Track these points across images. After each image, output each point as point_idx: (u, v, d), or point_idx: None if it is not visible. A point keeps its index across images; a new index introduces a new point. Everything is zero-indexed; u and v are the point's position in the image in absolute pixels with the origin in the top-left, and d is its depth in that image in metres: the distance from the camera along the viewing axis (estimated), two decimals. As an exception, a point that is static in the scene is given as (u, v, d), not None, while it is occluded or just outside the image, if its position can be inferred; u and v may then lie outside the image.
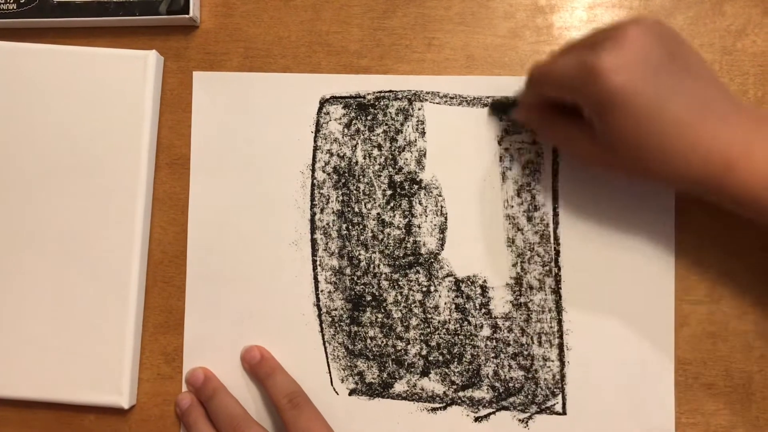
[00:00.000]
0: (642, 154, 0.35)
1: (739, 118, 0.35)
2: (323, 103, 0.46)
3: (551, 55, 0.39)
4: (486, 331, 0.44)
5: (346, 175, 0.46)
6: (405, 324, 0.45)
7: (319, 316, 0.46)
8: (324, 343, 0.45)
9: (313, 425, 0.42)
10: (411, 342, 0.45)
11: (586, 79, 0.35)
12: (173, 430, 0.46)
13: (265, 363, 0.45)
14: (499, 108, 0.45)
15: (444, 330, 0.45)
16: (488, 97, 0.45)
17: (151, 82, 0.46)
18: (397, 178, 0.45)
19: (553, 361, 0.44)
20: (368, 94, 0.46)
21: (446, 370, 0.45)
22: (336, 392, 0.45)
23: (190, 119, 0.47)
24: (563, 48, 0.39)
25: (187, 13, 0.45)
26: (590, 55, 0.35)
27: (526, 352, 0.44)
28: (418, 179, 0.45)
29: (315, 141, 0.46)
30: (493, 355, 0.44)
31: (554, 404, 0.44)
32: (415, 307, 0.45)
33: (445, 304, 0.45)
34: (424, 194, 0.45)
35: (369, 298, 0.45)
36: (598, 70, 0.34)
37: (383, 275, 0.45)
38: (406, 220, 0.45)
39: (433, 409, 0.45)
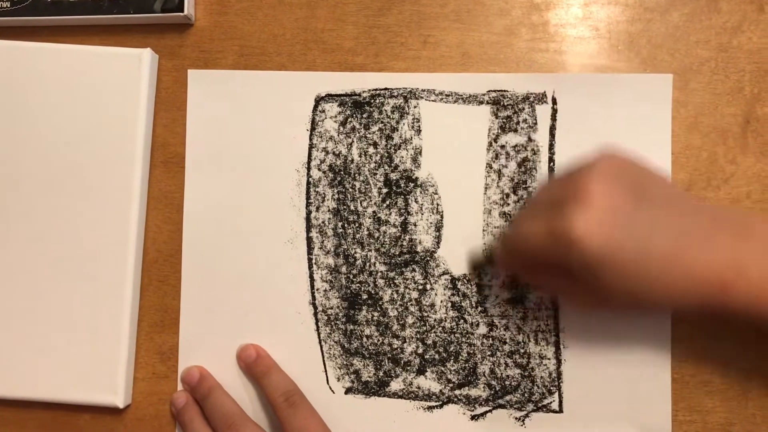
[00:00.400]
0: (637, 296, 0.35)
1: (723, 232, 0.35)
2: (318, 101, 0.46)
3: (515, 222, 0.39)
4: (482, 329, 0.44)
5: (342, 173, 0.46)
6: (401, 322, 0.45)
7: (315, 314, 0.45)
8: (320, 342, 0.45)
9: (309, 424, 0.42)
10: (407, 340, 0.45)
11: (562, 248, 0.34)
12: (169, 429, 0.46)
13: (261, 361, 0.45)
14: (480, 264, 0.45)
15: (440, 328, 0.45)
16: (484, 95, 0.45)
17: (145, 80, 0.46)
18: (393, 176, 0.45)
19: (549, 359, 0.44)
20: (363, 91, 0.46)
21: (442, 369, 0.45)
22: (332, 391, 0.45)
23: (184, 117, 0.47)
24: (525, 211, 0.39)
25: (182, 11, 0.45)
26: (558, 221, 0.34)
27: (522, 350, 0.44)
28: (413, 177, 0.45)
29: (310, 139, 0.46)
30: (489, 353, 0.44)
31: (551, 402, 0.44)
32: (411, 305, 0.45)
33: (441, 302, 0.45)
34: (420, 192, 0.45)
35: (365, 296, 0.45)
36: (572, 239, 0.33)
37: (379, 273, 0.45)
38: (402, 218, 0.45)
39: (429, 408, 0.45)
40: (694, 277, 0.34)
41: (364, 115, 0.46)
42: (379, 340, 0.45)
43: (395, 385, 0.45)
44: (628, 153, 0.37)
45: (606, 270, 0.34)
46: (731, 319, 0.36)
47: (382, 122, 0.45)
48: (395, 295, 0.45)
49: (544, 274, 0.38)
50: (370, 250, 0.45)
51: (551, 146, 0.45)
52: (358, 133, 0.46)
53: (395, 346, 0.45)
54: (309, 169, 0.46)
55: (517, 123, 0.45)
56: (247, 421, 0.43)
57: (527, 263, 0.39)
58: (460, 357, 0.44)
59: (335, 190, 0.46)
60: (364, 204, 0.45)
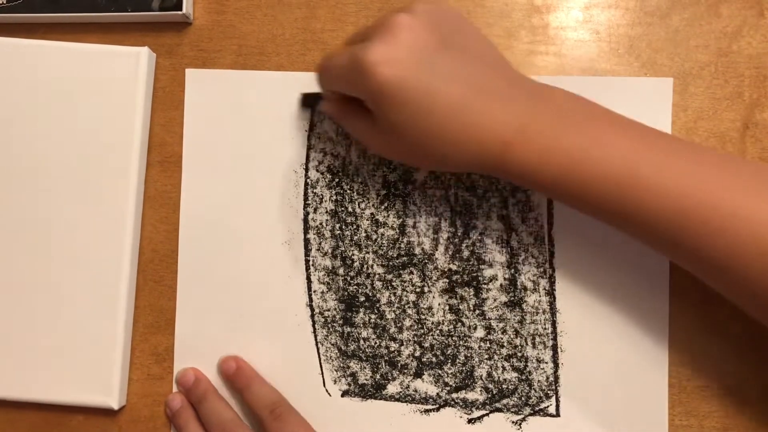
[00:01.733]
0: (420, 141, 0.35)
1: (517, 96, 0.35)
2: (318, 101, 0.46)
3: (334, 49, 0.40)
4: (480, 333, 0.44)
5: (340, 174, 0.45)
6: (398, 325, 0.45)
7: (312, 316, 0.45)
8: (317, 344, 0.45)
9: None
10: (404, 343, 0.45)
11: (358, 73, 0.35)
12: (163, 431, 0.46)
13: (241, 373, 0.44)
14: (308, 101, 0.45)
15: (438, 331, 0.44)
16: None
17: (143, 79, 0.45)
18: (392, 177, 0.45)
19: (547, 362, 0.44)
20: (363, 92, 0.45)
21: (440, 372, 0.44)
22: (328, 393, 0.45)
23: (182, 117, 0.46)
24: (345, 40, 0.40)
25: (180, 10, 0.45)
26: (361, 48, 0.35)
27: (519, 354, 0.44)
28: (412, 179, 0.45)
29: (309, 140, 0.46)
30: (486, 356, 0.44)
31: (548, 406, 0.44)
32: (409, 308, 0.45)
33: (439, 305, 0.44)
34: (419, 194, 0.45)
35: (362, 298, 0.45)
36: (367, 65, 0.34)
37: (377, 276, 0.45)
38: (400, 220, 0.45)
39: (426, 411, 0.44)
40: (476, 132, 0.34)
41: (363, 117, 0.45)
42: (376, 343, 0.45)
43: (392, 388, 0.45)
44: (453, 7, 0.38)
45: (392, 102, 0.34)
46: (516, 182, 0.36)
47: (381, 124, 0.45)
48: (393, 298, 0.45)
49: (351, 109, 0.39)
50: (368, 253, 0.45)
51: (550, 149, 0.44)
52: (357, 134, 0.45)
53: (392, 349, 0.45)
54: (307, 170, 0.46)
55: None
56: (242, 427, 0.43)
57: (335, 89, 0.40)
58: (458, 360, 0.44)
59: (333, 192, 0.45)
60: (362, 206, 0.45)
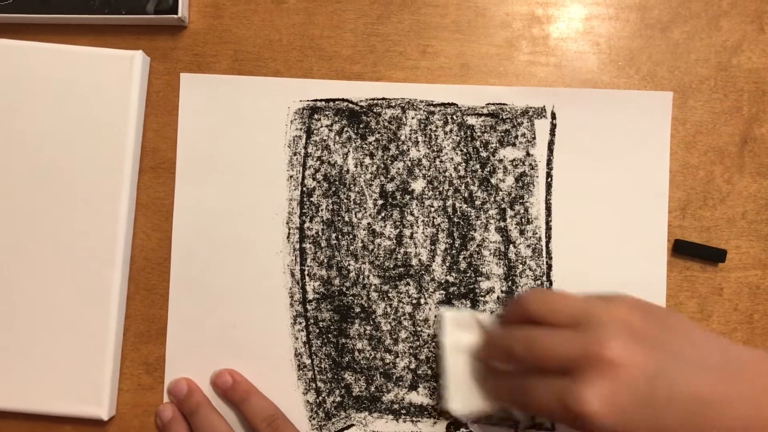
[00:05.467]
0: None
1: (743, 394, 0.33)
2: (314, 109, 0.45)
3: (523, 339, 0.37)
4: (476, 345, 0.44)
5: (337, 183, 0.45)
6: (394, 337, 0.44)
7: (306, 326, 0.44)
8: (311, 355, 0.44)
9: None
10: (400, 355, 0.44)
11: (573, 419, 0.33)
12: (153, 441, 0.45)
13: (238, 387, 0.43)
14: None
15: (433, 343, 0.44)
16: (482, 107, 0.44)
17: (136, 83, 0.44)
18: (389, 187, 0.45)
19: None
20: (361, 101, 0.45)
21: (435, 384, 0.44)
22: (324, 402, 0.44)
23: (176, 122, 0.45)
24: (527, 341, 0.36)
25: (176, 13, 0.44)
26: (571, 392, 0.32)
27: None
28: (410, 189, 0.44)
29: (305, 148, 0.45)
30: (482, 369, 0.44)
31: (544, 420, 0.43)
32: (405, 319, 0.44)
33: (435, 317, 0.44)
34: (416, 205, 0.44)
35: (358, 309, 0.44)
36: (584, 415, 0.32)
37: (372, 287, 0.44)
38: (397, 230, 0.44)
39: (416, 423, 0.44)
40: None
41: (361, 125, 0.45)
42: (371, 355, 0.44)
43: (386, 400, 0.44)
44: (637, 298, 0.36)
45: None
46: None
47: (379, 132, 0.45)
48: (389, 309, 0.44)
49: None
50: (364, 263, 0.44)
51: (549, 161, 0.44)
52: (355, 143, 0.45)
53: (387, 361, 0.44)
54: (303, 178, 0.45)
55: (516, 137, 0.44)
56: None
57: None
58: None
59: (330, 201, 0.45)
60: (359, 215, 0.45)
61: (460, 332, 0.41)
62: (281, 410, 0.43)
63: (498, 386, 0.39)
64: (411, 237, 0.44)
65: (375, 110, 0.45)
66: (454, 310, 0.43)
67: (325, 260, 0.45)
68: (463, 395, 0.40)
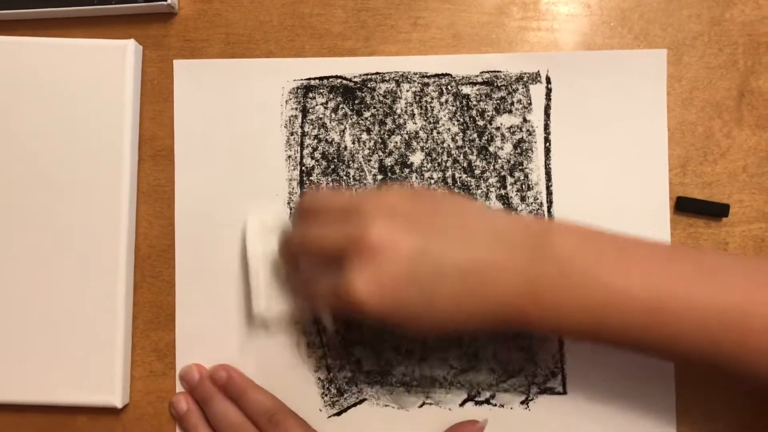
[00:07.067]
0: (435, 330, 0.36)
1: (517, 264, 0.34)
2: (308, 88, 0.45)
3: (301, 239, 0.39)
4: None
5: (335, 160, 0.45)
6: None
7: (313, 305, 0.45)
8: (319, 332, 0.45)
9: None
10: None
11: (348, 306, 0.34)
12: (168, 428, 0.45)
13: (234, 383, 0.43)
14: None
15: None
16: (477, 75, 0.44)
17: (130, 72, 0.44)
18: (388, 161, 0.45)
19: (551, 341, 0.44)
20: (355, 77, 0.45)
21: (445, 355, 0.44)
22: (335, 379, 0.44)
23: (172, 109, 0.46)
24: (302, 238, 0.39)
25: (165, 0, 0.44)
26: (340, 282, 0.34)
27: (524, 333, 0.44)
28: (408, 162, 0.44)
29: (302, 127, 0.45)
30: (491, 337, 0.44)
31: (555, 384, 0.43)
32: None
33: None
34: (416, 177, 0.44)
35: (363, 285, 0.44)
36: (355, 302, 0.33)
37: (377, 261, 0.44)
38: (398, 204, 0.44)
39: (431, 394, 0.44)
40: (490, 307, 0.34)
41: (356, 101, 0.45)
42: (379, 329, 0.44)
43: (397, 374, 0.44)
44: (413, 185, 0.38)
45: (395, 319, 0.34)
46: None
47: (374, 107, 0.45)
48: (394, 283, 0.44)
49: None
50: (367, 238, 0.44)
51: (546, 126, 0.44)
52: (351, 119, 0.45)
53: (396, 334, 0.44)
54: (302, 157, 0.45)
55: (512, 104, 0.44)
56: (251, 429, 0.42)
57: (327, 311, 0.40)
58: (462, 342, 0.44)
59: (329, 179, 0.45)
60: (360, 191, 0.45)
61: (264, 235, 0.43)
62: (282, 403, 0.43)
63: (294, 286, 0.41)
64: (412, 210, 0.44)
65: (369, 85, 0.45)
66: (259, 214, 0.44)
67: (328, 238, 0.45)
68: (267, 297, 0.42)
